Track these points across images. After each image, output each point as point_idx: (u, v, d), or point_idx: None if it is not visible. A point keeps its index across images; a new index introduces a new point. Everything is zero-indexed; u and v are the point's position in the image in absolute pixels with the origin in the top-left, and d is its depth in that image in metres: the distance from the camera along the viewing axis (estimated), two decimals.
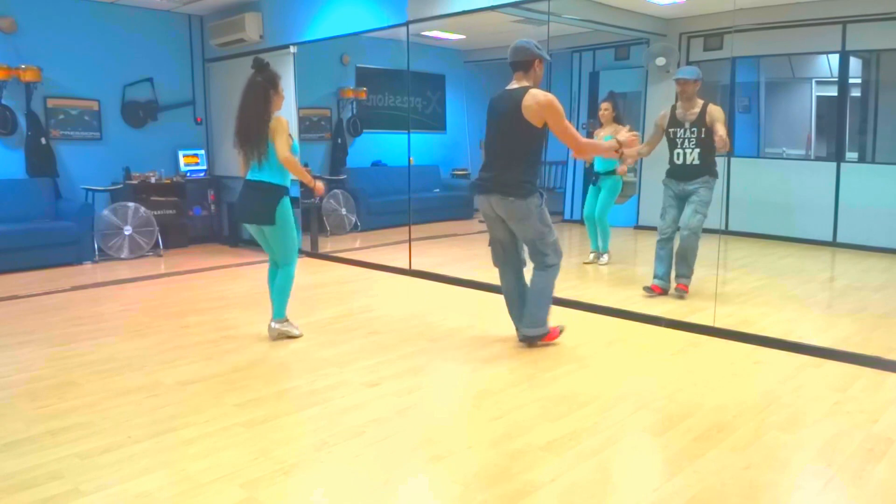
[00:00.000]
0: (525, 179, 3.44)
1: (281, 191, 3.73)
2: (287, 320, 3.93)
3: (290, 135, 3.67)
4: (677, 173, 4.73)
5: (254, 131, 3.63)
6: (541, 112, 3.36)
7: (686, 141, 4.62)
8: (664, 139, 4.78)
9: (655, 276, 4.83)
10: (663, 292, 4.78)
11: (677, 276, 4.77)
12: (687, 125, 4.62)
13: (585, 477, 2.32)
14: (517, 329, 3.79)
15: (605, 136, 5.80)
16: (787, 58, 7.05)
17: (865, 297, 4.93)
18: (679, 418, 2.79)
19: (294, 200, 6.63)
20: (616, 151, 3.62)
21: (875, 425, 2.71)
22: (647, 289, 4.81)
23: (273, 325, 3.90)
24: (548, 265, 3.59)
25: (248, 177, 3.76)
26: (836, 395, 3.03)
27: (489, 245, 3.77)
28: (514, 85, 3.50)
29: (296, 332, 3.94)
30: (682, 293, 4.73)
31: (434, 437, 2.63)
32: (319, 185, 4.10)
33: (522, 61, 3.47)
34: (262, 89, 3.63)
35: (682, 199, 4.73)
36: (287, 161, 3.61)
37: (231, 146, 3.86)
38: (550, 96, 3.40)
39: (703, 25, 6.65)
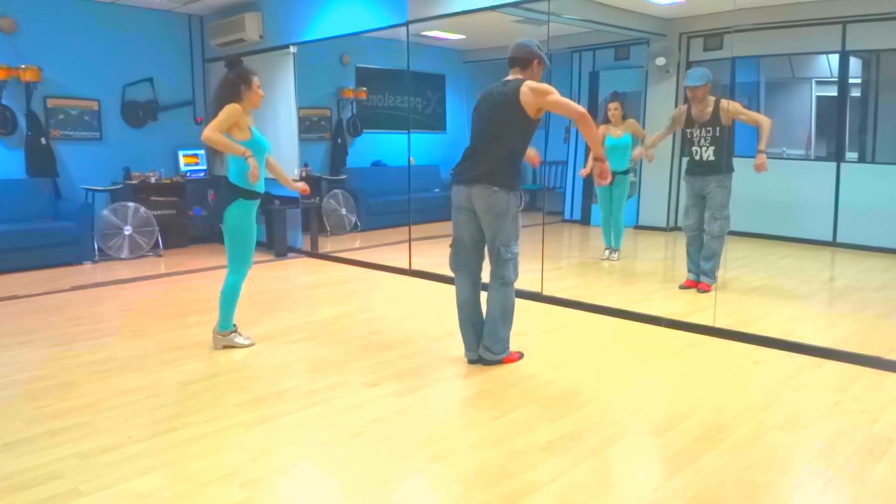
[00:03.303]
0: (511, 174, 3.32)
1: (235, 191, 3.56)
2: (234, 332, 3.79)
3: (248, 128, 3.53)
4: (695, 169, 4.89)
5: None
6: (535, 97, 3.20)
7: (702, 140, 4.80)
8: (681, 136, 4.98)
9: (689, 271, 5.06)
10: (696, 285, 4.99)
11: (700, 275, 4.94)
12: (701, 124, 4.77)
13: (585, 477, 2.32)
14: (468, 348, 3.51)
15: (625, 135, 5.95)
16: (787, 58, 7.05)
17: (865, 297, 4.93)
18: (679, 418, 2.79)
19: (293, 200, 6.74)
20: (597, 159, 3.27)
21: (875, 425, 2.71)
22: (682, 287, 5.03)
23: (217, 336, 3.77)
24: (506, 283, 3.40)
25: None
26: (836, 395, 3.03)
27: (450, 246, 3.51)
28: (509, 77, 3.37)
29: (245, 342, 3.80)
30: (703, 291, 4.85)
31: (434, 437, 2.63)
32: (256, 171, 3.46)
33: (522, 58, 3.36)
34: (231, 85, 3.54)
35: (702, 197, 4.88)
36: (207, 139, 3.39)
37: None
38: (541, 83, 3.28)
39: (703, 25, 6.65)
